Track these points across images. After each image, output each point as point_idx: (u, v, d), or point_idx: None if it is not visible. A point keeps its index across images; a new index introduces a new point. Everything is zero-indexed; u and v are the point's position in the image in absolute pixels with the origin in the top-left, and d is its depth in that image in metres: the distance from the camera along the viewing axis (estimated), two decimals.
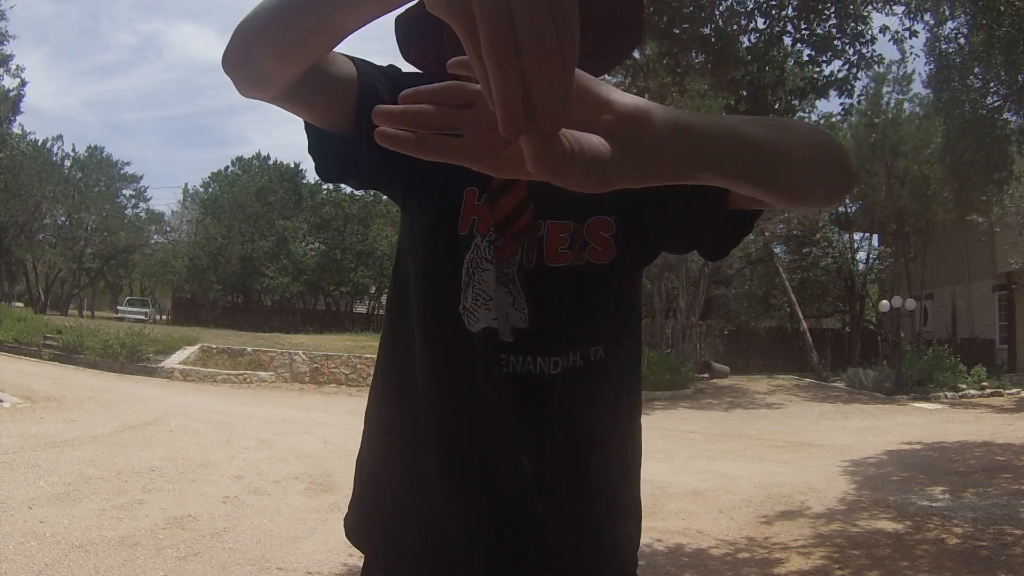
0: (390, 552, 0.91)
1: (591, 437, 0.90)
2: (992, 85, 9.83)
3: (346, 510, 0.98)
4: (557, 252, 0.87)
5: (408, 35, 0.90)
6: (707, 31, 5.27)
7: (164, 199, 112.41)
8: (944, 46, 9.76)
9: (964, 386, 16.20)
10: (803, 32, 5.27)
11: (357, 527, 0.95)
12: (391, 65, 0.90)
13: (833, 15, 5.26)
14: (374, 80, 0.81)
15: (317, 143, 0.83)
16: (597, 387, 0.90)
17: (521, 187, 0.87)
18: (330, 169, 0.85)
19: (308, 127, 0.83)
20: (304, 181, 35.61)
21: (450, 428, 0.88)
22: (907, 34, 6.34)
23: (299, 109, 0.78)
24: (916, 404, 14.93)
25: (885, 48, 43.00)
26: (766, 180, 0.57)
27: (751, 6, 5.36)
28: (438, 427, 0.88)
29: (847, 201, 24.03)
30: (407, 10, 0.87)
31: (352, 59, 0.81)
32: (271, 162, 37.01)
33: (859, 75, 5.73)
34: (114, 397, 10.59)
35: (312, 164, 0.86)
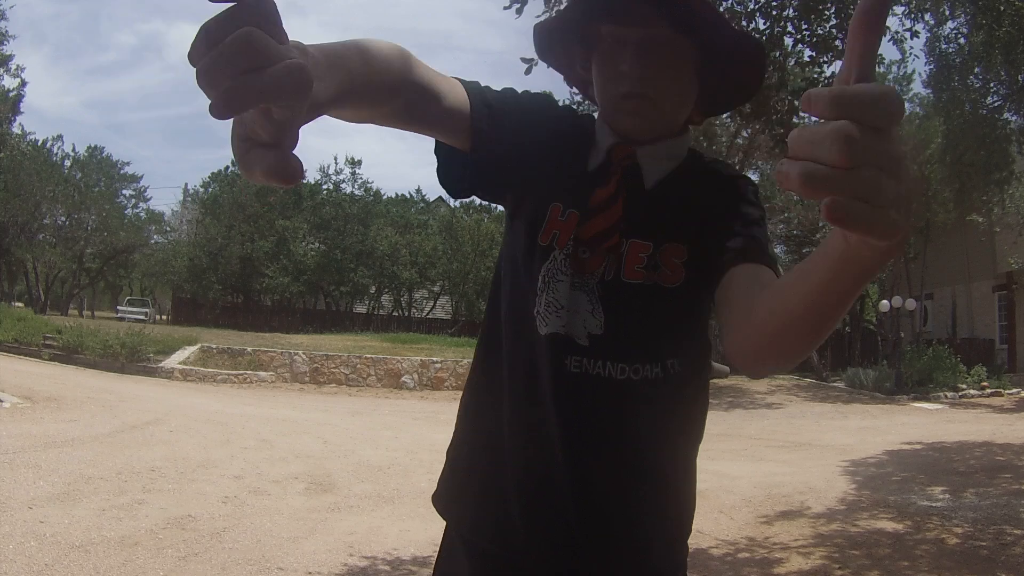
0: (472, 525, 1.03)
1: (658, 443, 0.98)
2: (992, 85, 9.84)
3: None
4: (634, 269, 0.96)
5: (546, 41, 1.05)
6: None
7: (164, 199, 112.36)
8: (944, 46, 9.77)
9: (964, 386, 16.20)
10: (804, 33, 5.27)
11: (447, 501, 1.07)
12: (544, 93, 1.08)
13: (833, 15, 5.26)
14: (485, 100, 0.91)
15: (443, 164, 0.96)
16: (675, 397, 0.99)
17: (617, 207, 0.96)
18: (455, 186, 0.97)
19: (436, 150, 0.95)
20: (304, 181, 35.50)
21: (519, 421, 0.98)
22: (908, 34, 6.33)
23: (421, 131, 0.87)
24: (916, 404, 14.93)
25: (885, 48, 42.98)
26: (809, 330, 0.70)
27: (752, 7, 5.36)
28: (510, 419, 0.98)
29: None
30: (545, 21, 1.04)
31: (465, 85, 0.91)
32: None
33: None
34: (114, 397, 10.59)
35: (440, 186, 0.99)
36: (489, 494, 0.99)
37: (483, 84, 0.96)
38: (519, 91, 1.01)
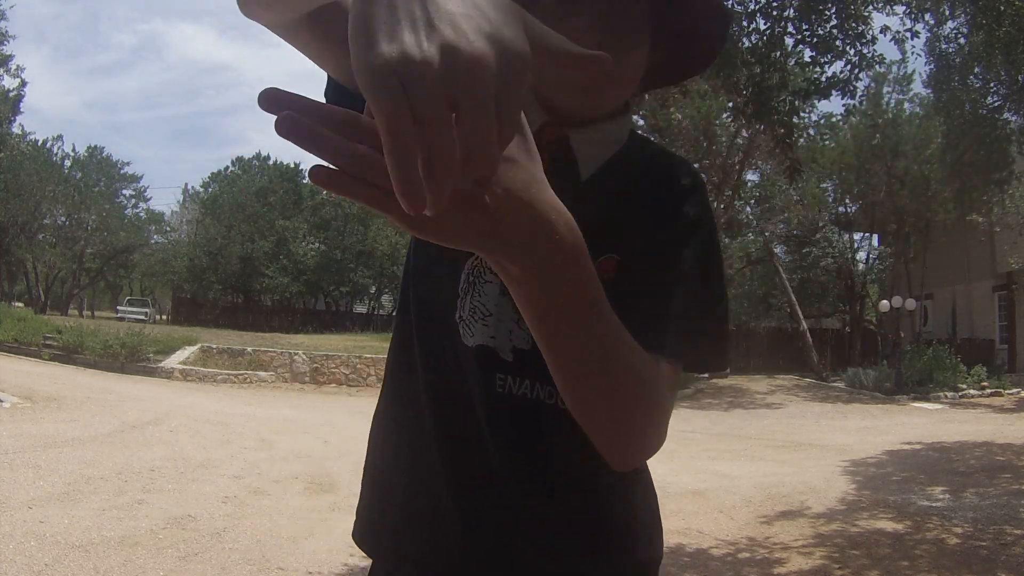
0: (394, 554, 0.89)
1: (591, 470, 0.82)
2: (992, 85, 9.84)
3: (352, 516, 0.97)
4: None
5: None
6: None
7: (164, 199, 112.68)
8: (944, 46, 9.77)
9: (964, 386, 16.20)
10: (804, 33, 5.27)
11: (364, 533, 0.92)
12: None
13: (834, 16, 5.26)
14: None
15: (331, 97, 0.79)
16: None
17: None
18: None
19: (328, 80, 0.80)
20: (304, 181, 35.62)
21: (449, 437, 0.84)
22: (908, 35, 6.33)
23: (320, 52, 0.74)
24: (916, 404, 14.93)
25: (885, 48, 43.04)
26: (571, 390, 0.63)
27: (752, 7, 5.36)
28: (438, 434, 0.85)
29: (847, 201, 24.08)
30: None
31: None
32: (271, 162, 37.06)
33: (861, 76, 5.74)
34: (114, 397, 10.59)
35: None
36: (417, 515, 0.86)
37: None
38: None
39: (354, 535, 0.94)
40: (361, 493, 0.94)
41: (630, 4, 0.77)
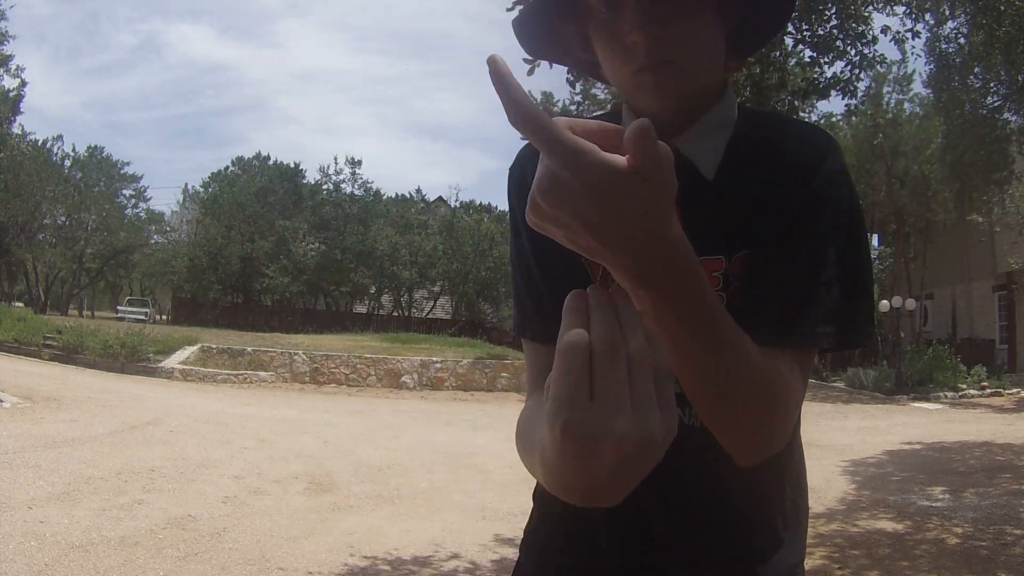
0: (542, 562, 0.94)
1: (738, 483, 0.82)
2: (992, 85, 9.84)
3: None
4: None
5: (529, 33, 0.85)
6: None
7: (164, 199, 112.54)
8: (944, 46, 9.77)
9: (964, 386, 16.20)
10: (804, 33, 5.27)
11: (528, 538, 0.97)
12: None
13: (834, 16, 5.26)
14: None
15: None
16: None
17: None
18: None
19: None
20: (304, 181, 35.64)
21: None
22: (908, 35, 6.32)
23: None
24: (916, 404, 14.93)
25: (885, 48, 42.98)
26: (699, 397, 0.64)
27: None
28: None
29: None
30: (521, 12, 0.86)
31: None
32: (271, 162, 37.03)
33: (861, 76, 5.73)
34: (114, 397, 10.59)
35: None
36: (569, 531, 0.90)
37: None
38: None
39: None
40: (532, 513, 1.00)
41: None
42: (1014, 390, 16.21)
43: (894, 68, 18.96)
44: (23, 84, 26.38)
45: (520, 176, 0.88)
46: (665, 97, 0.75)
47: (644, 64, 0.73)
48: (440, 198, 37.35)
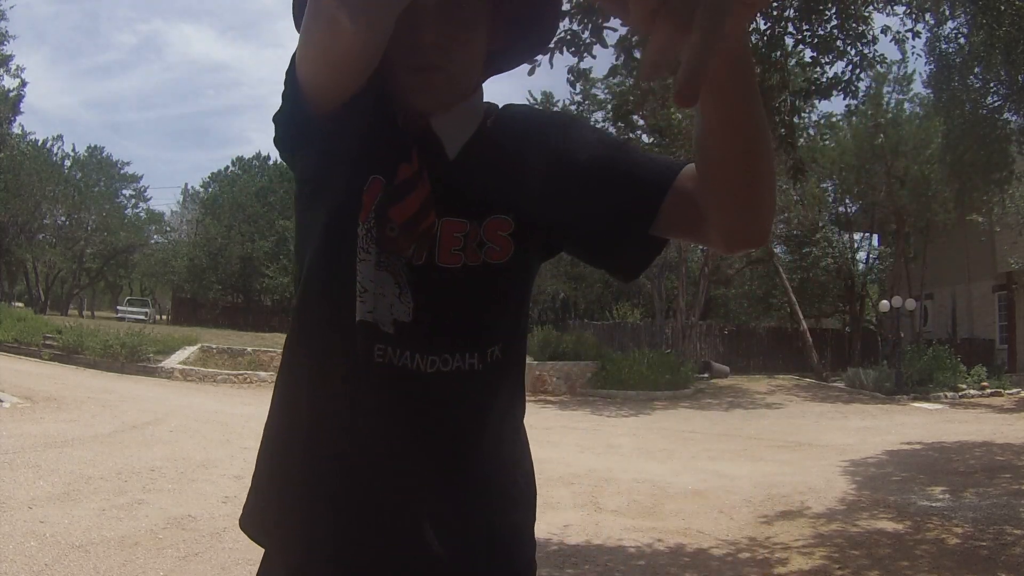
0: (288, 541, 0.89)
1: (477, 434, 0.89)
2: (992, 85, 9.84)
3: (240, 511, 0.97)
4: (450, 253, 0.85)
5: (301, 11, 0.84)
6: None
7: (164, 199, 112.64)
8: (944, 46, 9.77)
9: (964, 386, 16.20)
10: (804, 33, 5.26)
11: (258, 521, 0.92)
12: None
13: (834, 16, 5.25)
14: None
15: (289, 115, 0.85)
16: (494, 386, 0.90)
17: (425, 185, 0.84)
18: (287, 142, 0.88)
19: (289, 95, 0.84)
20: None
21: (323, 415, 0.87)
22: (909, 35, 6.32)
23: (338, 79, 0.78)
24: (916, 404, 14.93)
25: (886, 48, 43.02)
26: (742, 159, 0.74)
27: None
28: (312, 414, 0.88)
29: (847, 201, 24.08)
30: None
31: None
32: (271, 162, 37.05)
33: (861, 76, 5.72)
34: (114, 397, 10.59)
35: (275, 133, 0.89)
36: (309, 500, 0.87)
37: None
38: None
39: (242, 524, 0.95)
40: (251, 486, 0.96)
41: None
42: (1014, 390, 16.22)
43: (894, 68, 18.96)
44: (23, 84, 26.45)
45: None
46: (430, 100, 0.84)
47: (424, 64, 0.81)
48: None
